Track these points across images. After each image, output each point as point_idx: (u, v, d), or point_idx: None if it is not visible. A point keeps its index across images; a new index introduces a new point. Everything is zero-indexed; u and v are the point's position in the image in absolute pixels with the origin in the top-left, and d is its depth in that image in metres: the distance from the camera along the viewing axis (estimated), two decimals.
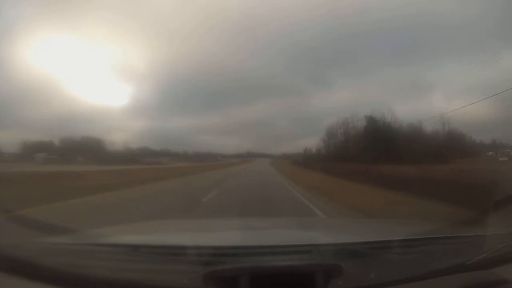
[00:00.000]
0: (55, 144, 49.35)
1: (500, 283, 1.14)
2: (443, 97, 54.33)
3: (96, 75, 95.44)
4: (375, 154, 26.54)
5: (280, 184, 16.80)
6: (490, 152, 28.75)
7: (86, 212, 7.15)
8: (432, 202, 7.55)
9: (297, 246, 1.39)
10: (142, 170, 26.36)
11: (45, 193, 9.13)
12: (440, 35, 52.41)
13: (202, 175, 24.40)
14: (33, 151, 43.27)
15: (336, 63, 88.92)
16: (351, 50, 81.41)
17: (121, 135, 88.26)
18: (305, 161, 46.64)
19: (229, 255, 1.26)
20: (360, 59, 79.39)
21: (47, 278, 1.09)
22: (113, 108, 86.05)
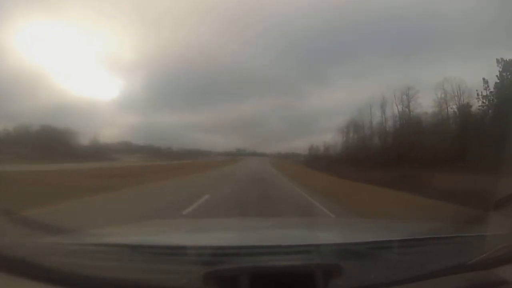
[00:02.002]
0: (9, 132, 40.05)
1: (500, 283, 1.14)
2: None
3: (80, 65, 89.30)
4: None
5: None
6: None
7: None
8: None
9: (297, 246, 1.39)
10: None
11: None
12: (441, 34, 51.83)
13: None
14: None
15: (334, 60, 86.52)
16: (350, 46, 78.36)
17: (107, 129, 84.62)
18: (317, 162, 34.34)
19: (229, 255, 1.26)
20: (359, 56, 77.81)
21: (47, 278, 1.10)
22: (98, 101, 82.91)
